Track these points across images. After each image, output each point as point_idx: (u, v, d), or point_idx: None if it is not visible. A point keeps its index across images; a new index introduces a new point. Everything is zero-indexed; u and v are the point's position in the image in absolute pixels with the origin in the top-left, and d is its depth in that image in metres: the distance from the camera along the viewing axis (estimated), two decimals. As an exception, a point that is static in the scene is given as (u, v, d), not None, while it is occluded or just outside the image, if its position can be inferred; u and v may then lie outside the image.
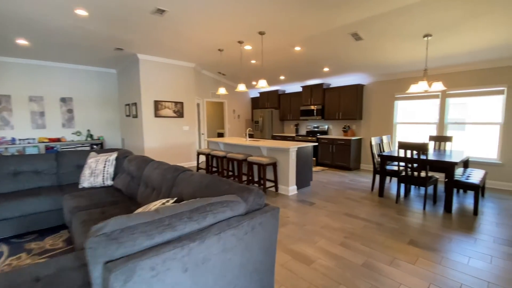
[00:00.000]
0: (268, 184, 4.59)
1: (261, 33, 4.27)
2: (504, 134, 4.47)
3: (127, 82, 6.79)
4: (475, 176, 3.64)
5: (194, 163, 7.00)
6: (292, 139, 7.37)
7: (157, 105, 6.16)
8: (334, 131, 6.98)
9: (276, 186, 4.31)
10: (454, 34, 3.74)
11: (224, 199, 1.35)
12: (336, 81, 6.80)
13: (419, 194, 4.19)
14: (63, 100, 6.73)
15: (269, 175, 4.56)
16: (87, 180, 3.17)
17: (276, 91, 8.01)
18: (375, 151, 4.40)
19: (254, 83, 8.04)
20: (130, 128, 6.87)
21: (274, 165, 4.23)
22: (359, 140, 6.36)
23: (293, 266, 2.16)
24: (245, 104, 9.10)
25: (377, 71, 5.66)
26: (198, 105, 7.37)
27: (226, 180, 1.69)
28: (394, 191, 4.40)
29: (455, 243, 2.53)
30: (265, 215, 1.42)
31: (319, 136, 6.71)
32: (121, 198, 2.71)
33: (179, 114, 6.56)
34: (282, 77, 7.06)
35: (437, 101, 5.24)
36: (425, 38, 3.98)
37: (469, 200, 3.87)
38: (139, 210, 1.49)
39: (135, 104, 6.34)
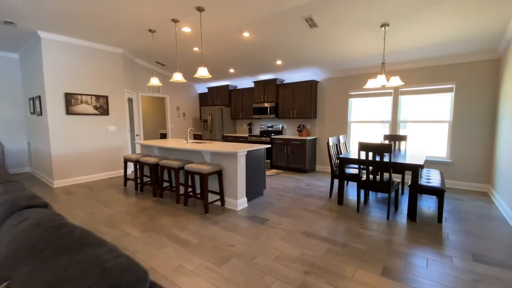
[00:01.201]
0: (214, 197, 3.76)
1: (200, 9, 3.41)
2: (453, 132, 4.44)
3: (30, 69, 5.21)
4: (434, 177, 3.39)
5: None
6: (245, 139, 6.66)
7: (70, 99, 4.79)
8: (289, 130, 6.48)
9: (222, 200, 3.51)
10: (411, 25, 3.44)
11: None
12: (290, 77, 6.31)
13: (378, 199, 3.85)
14: None
15: (215, 185, 3.73)
16: None
17: (227, 86, 7.20)
18: (333, 152, 3.93)
19: (201, 77, 7.08)
20: (36, 129, 5.31)
21: (219, 173, 3.42)
22: (314, 140, 5.96)
23: None
24: (191, 100, 8.07)
25: (332, 66, 5.29)
26: (130, 100, 6.12)
27: (77, 237, 0.82)
28: (352, 196, 3.99)
29: (433, 267, 2.08)
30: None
31: (273, 136, 6.12)
32: None
33: (103, 110, 5.26)
34: (232, 70, 6.27)
35: (390, 99, 5.08)
36: (383, 28, 3.63)
37: (426, 203, 3.64)
38: None
39: (39, 97, 4.85)
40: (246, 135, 6.68)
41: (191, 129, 4.29)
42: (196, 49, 5.08)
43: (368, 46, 4.19)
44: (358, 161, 3.31)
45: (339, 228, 2.83)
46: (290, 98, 6.00)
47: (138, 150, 6.42)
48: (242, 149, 3.33)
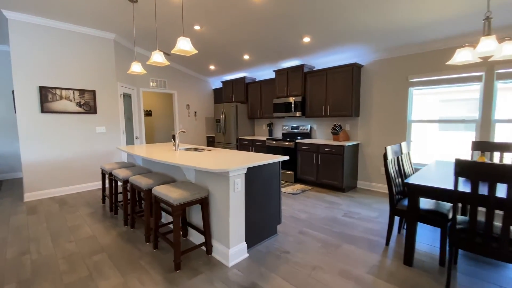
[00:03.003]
0: (199, 237, 2.48)
1: None
2: None
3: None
4: None
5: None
6: (262, 144, 5.32)
7: (46, 94, 3.93)
8: (320, 133, 4.98)
9: (207, 245, 2.22)
10: None
11: None
12: (322, 61, 4.81)
13: (470, 255, 2.22)
14: None
15: (200, 218, 2.46)
16: None
17: (243, 79, 5.94)
18: (393, 170, 2.40)
19: (212, 67, 5.94)
20: (16, 131, 4.60)
21: (202, 203, 2.14)
22: (355, 147, 4.39)
23: None
24: (204, 96, 6.96)
25: (385, 40, 3.69)
26: (128, 96, 5.17)
27: None
28: (424, 244, 2.42)
29: None
30: None
31: (298, 140, 4.69)
32: None
33: (89, 108, 4.35)
34: (246, 57, 4.98)
35: (478, 87, 3.34)
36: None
37: None
38: None
39: (12, 93, 4.10)
40: (264, 138, 5.33)
41: (182, 130, 3.11)
42: (197, 27, 3.89)
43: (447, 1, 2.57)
44: (454, 196, 1.78)
45: None
46: (322, 89, 4.52)
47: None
48: (237, 166, 2.00)
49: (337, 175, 4.15)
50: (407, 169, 2.78)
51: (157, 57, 2.82)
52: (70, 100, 4.16)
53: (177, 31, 4.04)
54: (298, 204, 3.58)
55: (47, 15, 3.68)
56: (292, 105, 4.87)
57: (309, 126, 5.03)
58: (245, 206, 2.21)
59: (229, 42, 4.35)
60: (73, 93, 4.18)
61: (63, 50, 4.04)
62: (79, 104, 4.25)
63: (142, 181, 2.48)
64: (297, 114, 4.81)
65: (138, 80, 5.50)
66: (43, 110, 3.92)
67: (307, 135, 5.04)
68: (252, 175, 2.26)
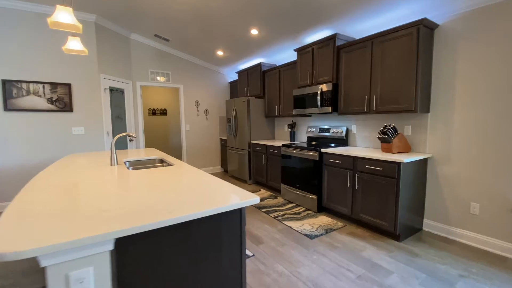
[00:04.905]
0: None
1: None
2: None
3: None
4: None
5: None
6: (277, 152, 3.90)
7: (10, 88, 3.30)
8: (362, 138, 3.33)
9: None
10: None
11: None
12: (365, 27, 3.15)
13: None
14: None
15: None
16: None
17: (259, 66, 4.60)
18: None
19: (220, 52, 4.77)
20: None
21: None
22: (422, 164, 2.64)
23: None
24: (219, 91, 5.83)
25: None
26: (118, 91, 4.35)
27: None
28: None
29: None
30: None
31: (326, 149, 3.14)
32: None
33: (63, 105, 3.63)
34: (254, 31, 3.65)
35: None
36: None
37: None
38: None
39: (-14, 88, 3.61)
40: (279, 144, 3.88)
41: (130, 137, 2.02)
42: (175, -11, 2.75)
43: None
44: None
45: None
46: (364, 71, 2.90)
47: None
48: (62, 241, 0.74)
49: (386, 211, 2.50)
50: None
51: (64, 16, 1.73)
52: (40, 96, 3.49)
53: (164, 7, 2.98)
54: (311, 261, 2.11)
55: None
56: (319, 97, 3.34)
57: (345, 127, 3.42)
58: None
59: (225, 9, 3.09)
60: (43, 87, 3.50)
61: (30, 36, 3.37)
62: (50, 101, 3.55)
63: None
64: (327, 109, 3.27)
65: (134, 72, 4.68)
66: (7, 107, 3.31)
67: (342, 140, 3.45)
68: (153, 247, 0.96)
